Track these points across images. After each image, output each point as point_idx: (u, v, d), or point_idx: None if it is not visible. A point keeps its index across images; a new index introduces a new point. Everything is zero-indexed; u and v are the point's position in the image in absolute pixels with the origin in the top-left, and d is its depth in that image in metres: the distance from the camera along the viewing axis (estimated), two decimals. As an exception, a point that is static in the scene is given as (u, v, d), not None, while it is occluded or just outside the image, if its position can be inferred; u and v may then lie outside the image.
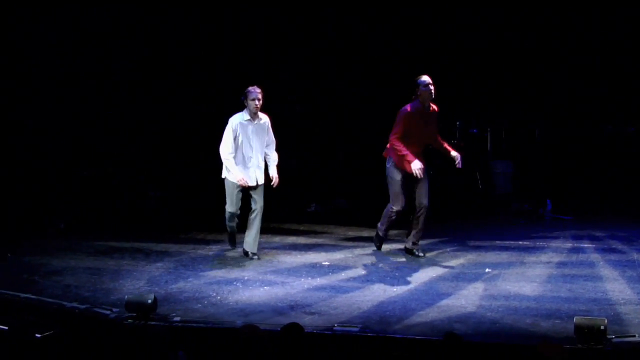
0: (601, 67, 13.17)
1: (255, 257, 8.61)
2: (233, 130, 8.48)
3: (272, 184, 8.57)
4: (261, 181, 8.59)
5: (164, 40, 13.27)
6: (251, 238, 8.64)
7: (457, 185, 13.03)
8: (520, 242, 9.62)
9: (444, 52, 13.39)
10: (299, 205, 12.33)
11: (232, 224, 8.81)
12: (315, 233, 10.41)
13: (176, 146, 13.61)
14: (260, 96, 8.39)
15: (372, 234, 10.37)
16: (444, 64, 13.06)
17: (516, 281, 7.63)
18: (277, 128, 8.80)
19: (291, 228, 10.69)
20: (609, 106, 13.46)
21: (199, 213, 11.94)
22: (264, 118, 8.57)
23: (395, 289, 7.36)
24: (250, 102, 8.38)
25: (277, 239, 9.90)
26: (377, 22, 13.54)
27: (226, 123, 8.52)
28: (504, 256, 8.83)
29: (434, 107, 8.35)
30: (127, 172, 13.14)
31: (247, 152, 8.52)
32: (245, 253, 8.67)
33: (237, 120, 8.49)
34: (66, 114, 12.53)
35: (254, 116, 8.46)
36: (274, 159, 8.66)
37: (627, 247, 9.40)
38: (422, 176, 8.23)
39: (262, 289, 7.41)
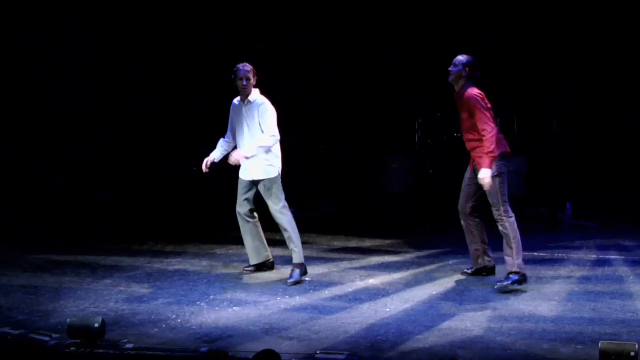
0: (630, 43, 13.16)
1: (250, 268, 8.70)
2: (230, 111, 8.60)
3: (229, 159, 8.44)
4: (259, 177, 8.43)
5: (111, 31, 13.31)
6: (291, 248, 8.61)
7: (460, 187, 13.05)
8: (536, 253, 9.64)
9: (445, 31, 13.45)
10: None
11: (241, 229, 8.68)
12: (293, 243, 10.38)
13: (130, 142, 13.57)
14: (249, 75, 8.31)
15: (362, 243, 10.40)
16: (443, 41, 13.12)
17: (531, 299, 7.64)
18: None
19: (265, 237, 10.66)
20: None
21: (155, 220, 11.90)
22: (257, 100, 8.40)
23: (388, 309, 7.36)
24: (238, 82, 8.37)
25: (249, 251, 9.89)
26: (365, 15, 13.71)
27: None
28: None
29: (465, 92, 8.05)
30: (70, 172, 13.07)
31: (239, 139, 8.51)
32: None
33: (233, 100, 8.59)
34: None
35: (243, 98, 8.44)
36: (259, 139, 8.34)
37: (661, 258, 9.46)
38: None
39: (230, 310, 7.38)
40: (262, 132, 8.34)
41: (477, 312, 7.25)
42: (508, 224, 7.97)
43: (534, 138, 13.96)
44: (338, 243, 10.48)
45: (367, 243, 10.45)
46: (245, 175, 8.51)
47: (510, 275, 7.94)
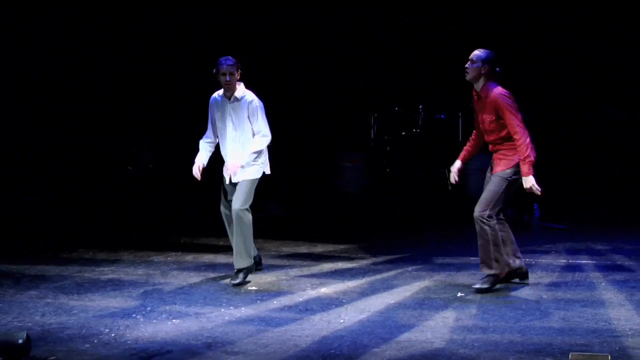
0: (602, 33, 13.33)
1: (238, 278, 8.54)
2: (209, 107, 8.62)
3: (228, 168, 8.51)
4: (240, 178, 8.51)
5: (36, 26, 13.27)
6: (234, 252, 8.63)
7: (420, 187, 13.13)
8: (501, 259, 9.72)
9: (405, 19, 13.55)
10: (217, 214, 12.25)
11: (228, 230, 8.76)
12: (238, 249, 10.38)
13: (59, 137, 13.48)
14: (232, 69, 8.32)
15: (314, 249, 10.42)
16: (401, 30, 13.20)
17: (496, 308, 7.70)
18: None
19: (208, 243, 10.64)
20: (613, 84, 13.63)
21: (86, 224, 11.81)
22: (246, 97, 8.45)
23: (342, 321, 7.38)
24: (221, 78, 8.38)
25: (190, 258, 9.85)
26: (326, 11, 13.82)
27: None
28: (480, 276, 8.91)
29: (489, 92, 8.11)
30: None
31: (222, 138, 8.58)
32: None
33: (213, 96, 8.61)
34: None
35: (228, 95, 8.46)
36: (251, 145, 8.46)
37: (636, 263, 9.59)
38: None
39: (169, 323, 7.36)
40: (252, 131, 8.44)
41: (439, 322, 7.30)
42: (488, 227, 8.15)
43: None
44: (287, 249, 10.49)
45: (319, 249, 10.47)
46: (231, 178, 8.58)
47: (489, 278, 8.24)
